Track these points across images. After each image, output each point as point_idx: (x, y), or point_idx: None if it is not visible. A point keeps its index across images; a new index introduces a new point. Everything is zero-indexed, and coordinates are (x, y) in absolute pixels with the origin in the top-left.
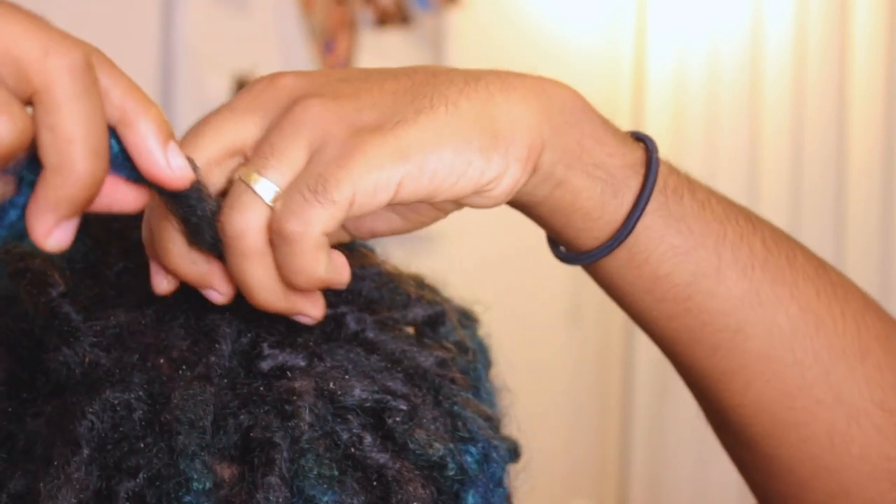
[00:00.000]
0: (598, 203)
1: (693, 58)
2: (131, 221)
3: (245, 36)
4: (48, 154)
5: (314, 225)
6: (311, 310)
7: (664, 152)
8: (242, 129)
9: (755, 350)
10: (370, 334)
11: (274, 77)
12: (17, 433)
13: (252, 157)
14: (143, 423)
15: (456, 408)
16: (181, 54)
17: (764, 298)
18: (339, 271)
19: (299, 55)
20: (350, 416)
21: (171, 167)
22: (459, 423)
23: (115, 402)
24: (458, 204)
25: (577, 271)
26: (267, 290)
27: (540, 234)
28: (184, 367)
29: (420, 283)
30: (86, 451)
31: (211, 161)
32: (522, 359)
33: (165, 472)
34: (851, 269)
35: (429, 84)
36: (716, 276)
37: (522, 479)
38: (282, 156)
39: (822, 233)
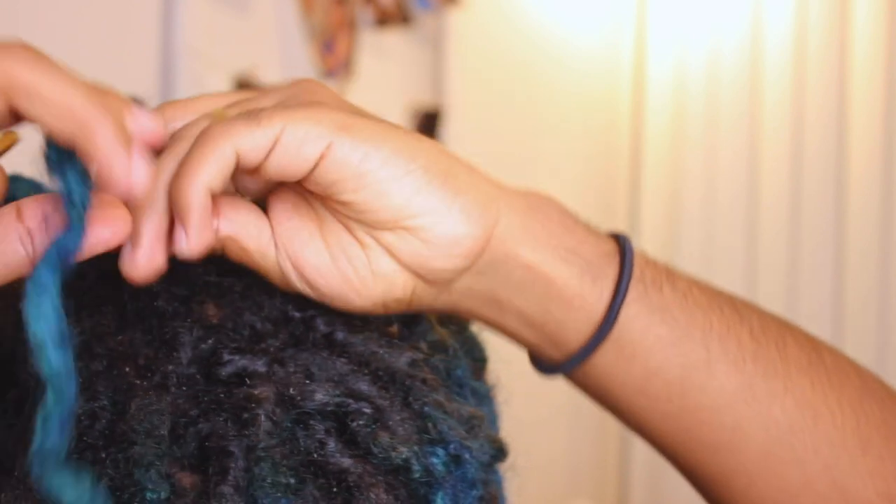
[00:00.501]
0: (577, 290)
1: (693, 58)
2: None
3: (245, 36)
4: (63, 124)
5: (229, 134)
6: (147, 238)
7: (664, 152)
8: (251, 102)
9: (754, 448)
10: (339, 336)
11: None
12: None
13: None
14: (107, 432)
15: (427, 409)
16: (181, 54)
17: (758, 393)
18: (210, 212)
19: (299, 55)
20: (312, 422)
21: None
22: (429, 425)
23: (80, 412)
24: (400, 270)
25: None
26: (159, 185)
27: None
28: (148, 374)
29: None
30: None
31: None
32: (523, 359)
33: (122, 483)
34: (851, 270)
35: None
36: (707, 370)
37: (510, 477)
38: (254, 103)
39: (823, 233)
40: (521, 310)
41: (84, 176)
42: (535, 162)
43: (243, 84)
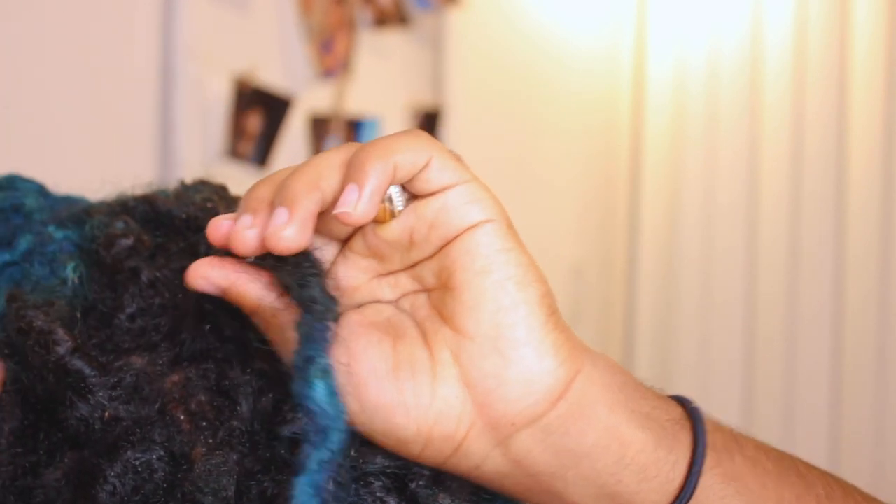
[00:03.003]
0: (652, 458)
1: (693, 58)
2: (146, 261)
3: (245, 36)
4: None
5: (428, 140)
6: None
7: (664, 152)
8: None
9: None
10: None
11: None
12: (34, 487)
13: None
14: (165, 485)
15: None
16: (181, 54)
17: None
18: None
19: (298, 55)
20: (372, 479)
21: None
22: None
23: (137, 463)
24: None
25: (576, 272)
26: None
27: (539, 235)
28: (204, 423)
29: None
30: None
31: None
32: None
33: None
34: (851, 270)
35: None
36: None
37: None
38: None
39: (823, 233)
40: (591, 478)
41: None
42: (535, 162)
43: (243, 84)
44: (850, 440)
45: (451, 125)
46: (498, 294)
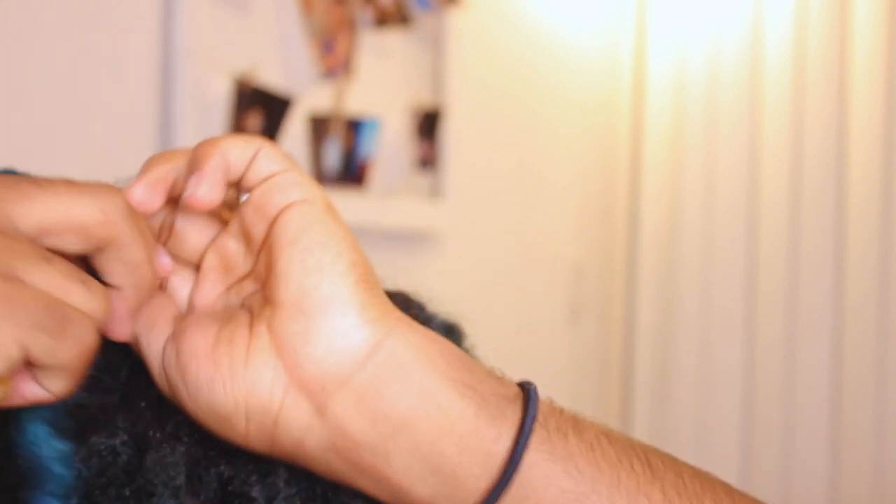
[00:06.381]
0: (472, 427)
1: (693, 58)
2: None
3: (245, 36)
4: (126, 279)
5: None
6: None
7: (664, 153)
8: None
9: None
10: None
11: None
12: (7, 466)
13: None
14: (129, 468)
15: None
16: (181, 54)
17: None
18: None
19: (299, 55)
20: None
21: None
22: None
23: (102, 447)
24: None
25: (576, 271)
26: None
27: (539, 235)
28: (163, 409)
29: (405, 302)
30: (73, 501)
31: None
32: (522, 359)
33: None
34: (851, 270)
35: None
36: None
37: None
38: None
39: (823, 233)
40: (412, 450)
41: None
42: (536, 161)
43: (243, 84)
44: (850, 440)
45: (451, 125)
46: (304, 257)
